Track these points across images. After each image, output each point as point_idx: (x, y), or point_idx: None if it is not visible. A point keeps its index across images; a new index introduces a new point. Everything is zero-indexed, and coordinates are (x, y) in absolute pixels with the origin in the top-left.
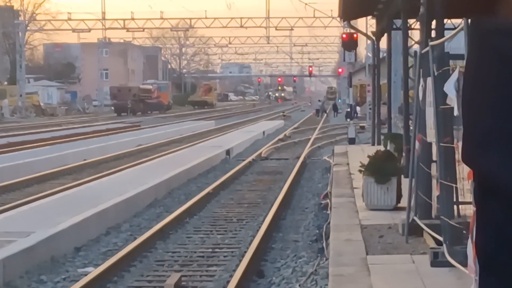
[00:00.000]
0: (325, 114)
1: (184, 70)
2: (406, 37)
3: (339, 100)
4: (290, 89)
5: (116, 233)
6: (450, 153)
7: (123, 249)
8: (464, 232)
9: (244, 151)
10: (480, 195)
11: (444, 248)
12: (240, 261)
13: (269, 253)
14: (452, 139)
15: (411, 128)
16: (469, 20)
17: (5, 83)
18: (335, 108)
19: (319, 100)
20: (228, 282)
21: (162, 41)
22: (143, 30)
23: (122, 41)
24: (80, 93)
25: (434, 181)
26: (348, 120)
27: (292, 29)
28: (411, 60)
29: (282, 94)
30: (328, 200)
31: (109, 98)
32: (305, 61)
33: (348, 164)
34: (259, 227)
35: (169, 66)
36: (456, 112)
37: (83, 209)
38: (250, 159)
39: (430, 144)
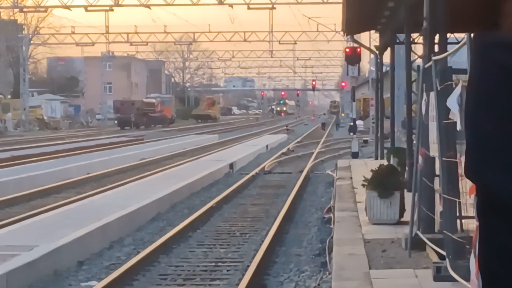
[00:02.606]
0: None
1: (188, 84)
2: (409, 51)
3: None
4: (292, 103)
5: (119, 247)
6: (453, 167)
7: (126, 263)
8: (467, 246)
9: (247, 165)
10: (483, 209)
11: (447, 262)
12: (243, 275)
13: (272, 267)
14: (455, 153)
15: (414, 142)
16: (472, 35)
17: (9, 96)
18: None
19: (324, 114)
20: None
21: (166, 55)
22: (147, 44)
23: (125, 54)
24: (84, 106)
25: (437, 196)
26: (351, 134)
27: (295, 43)
28: (414, 75)
29: (284, 108)
30: (331, 214)
31: (113, 111)
32: (309, 75)
33: (351, 178)
34: (262, 241)
35: (173, 80)
36: (459, 127)
37: (86, 223)
38: (253, 173)
39: (433, 158)
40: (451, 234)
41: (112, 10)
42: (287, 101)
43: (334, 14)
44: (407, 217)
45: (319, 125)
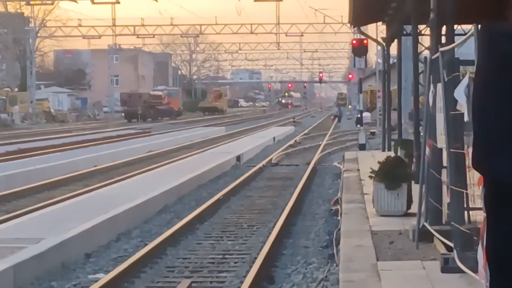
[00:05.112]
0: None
1: (194, 76)
2: (416, 43)
3: (349, 106)
4: (297, 95)
5: (126, 239)
6: (460, 159)
7: (133, 255)
8: (475, 238)
9: (254, 157)
10: (491, 201)
11: (455, 254)
12: (251, 267)
13: (279, 259)
14: (463, 145)
15: (422, 134)
16: (479, 25)
17: (16, 89)
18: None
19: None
20: None
21: (173, 47)
22: (154, 37)
23: (132, 47)
24: (91, 99)
25: (444, 187)
26: (358, 126)
27: (302, 35)
28: (421, 66)
29: (289, 101)
30: (338, 206)
31: (120, 104)
32: (316, 67)
33: (358, 170)
34: (270, 233)
35: (180, 72)
36: (466, 118)
37: (94, 215)
38: (260, 165)
39: (441, 150)
40: (459, 226)
41: (119, 2)
42: (292, 93)
43: (341, 6)
44: (414, 208)
45: (331, 117)
